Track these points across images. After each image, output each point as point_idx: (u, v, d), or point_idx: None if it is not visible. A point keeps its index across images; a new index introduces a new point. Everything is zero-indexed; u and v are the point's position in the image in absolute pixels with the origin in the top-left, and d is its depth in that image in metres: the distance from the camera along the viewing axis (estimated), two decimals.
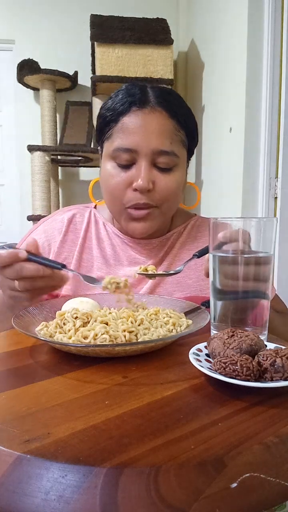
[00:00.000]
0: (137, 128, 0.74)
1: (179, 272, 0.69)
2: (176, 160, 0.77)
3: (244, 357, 0.39)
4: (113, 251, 0.85)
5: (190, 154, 0.84)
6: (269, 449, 0.31)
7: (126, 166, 0.76)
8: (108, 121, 0.78)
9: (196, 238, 0.88)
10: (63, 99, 2.73)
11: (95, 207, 0.91)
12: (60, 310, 0.60)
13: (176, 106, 0.78)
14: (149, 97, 0.76)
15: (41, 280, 0.62)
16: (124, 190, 0.76)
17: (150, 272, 0.67)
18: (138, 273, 0.68)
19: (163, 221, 0.82)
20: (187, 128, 0.79)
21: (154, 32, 2.35)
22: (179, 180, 0.78)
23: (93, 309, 0.61)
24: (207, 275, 0.62)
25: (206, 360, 0.45)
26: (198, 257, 0.68)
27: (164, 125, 0.75)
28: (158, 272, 0.69)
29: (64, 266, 0.63)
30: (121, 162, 0.75)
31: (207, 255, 0.63)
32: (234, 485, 0.29)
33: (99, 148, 0.84)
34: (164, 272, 0.70)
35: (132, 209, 0.77)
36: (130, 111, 0.75)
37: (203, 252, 0.67)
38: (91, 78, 2.35)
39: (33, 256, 0.61)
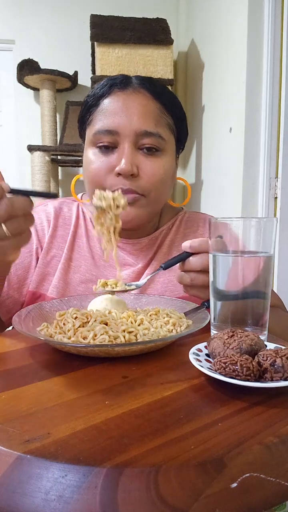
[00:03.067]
0: (118, 109, 0.70)
1: (139, 287, 0.65)
2: (162, 144, 0.72)
3: (244, 357, 0.39)
4: (102, 251, 0.80)
5: (179, 145, 0.80)
6: (269, 449, 0.31)
7: (108, 151, 0.71)
8: (89, 107, 0.75)
9: (185, 235, 0.84)
10: (63, 99, 2.73)
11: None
12: (62, 310, 0.60)
13: (160, 89, 0.74)
14: (131, 80, 0.73)
15: (31, 219, 0.52)
16: (105, 175, 0.71)
17: (108, 288, 0.62)
18: (97, 290, 0.63)
19: (151, 213, 0.76)
20: (173, 112, 0.75)
21: (154, 32, 2.35)
22: (166, 166, 0.73)
23: (122, 306, 0.60)
24: (180, 282, 0.62)
25: (206, 360, 0.45)
26: (164, 269, 0.65)
27: (148, 106, 0.71)
28: (118, 289, 0.62)
29: (56, 195, 0.55)
30: (103, 147, 0.71)
31: (178, 264, 0.63)
32: (234, 485, 0.29)
33: (82, 141, 0.79)
34: (124, 289, 0.62)
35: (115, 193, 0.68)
36: (111, 93, 0.72)
37: (170, 264, 0.64)
38: (91, 78, 2.35)
39: (15, 189, 0.50)
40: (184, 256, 0.61)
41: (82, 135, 0.79)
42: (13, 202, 0.49)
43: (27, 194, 0.50)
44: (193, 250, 0.60)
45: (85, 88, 2.77)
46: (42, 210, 0.82)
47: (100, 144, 0.71)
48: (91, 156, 0.72)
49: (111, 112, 0.70)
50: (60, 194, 2.81)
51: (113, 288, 0.62)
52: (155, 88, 0.73)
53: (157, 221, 0.85)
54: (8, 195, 0.50)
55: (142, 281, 0.66)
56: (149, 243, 0.82)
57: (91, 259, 0.80)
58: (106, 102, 0.72)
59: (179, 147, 0.80)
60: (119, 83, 0.72)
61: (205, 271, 0.58)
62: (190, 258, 0.61)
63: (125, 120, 0.69)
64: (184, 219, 0.86)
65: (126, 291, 0.63)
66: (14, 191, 0.49)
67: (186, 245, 0.61)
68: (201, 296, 0.62)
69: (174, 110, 0.75)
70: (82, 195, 0.86)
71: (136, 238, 0.81)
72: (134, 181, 0.70)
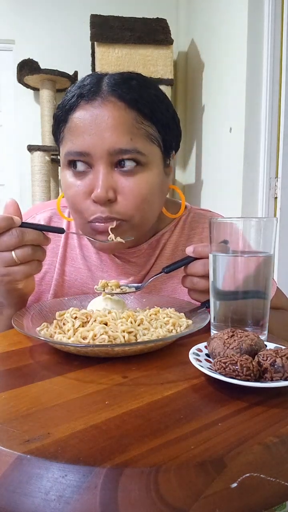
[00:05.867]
0: (87, 126, 0.61)
1: (139, 290, 0.63)
2: (142, 159, 0.63)
3: (244, 357, 0.39)
4: (99, 261, 0.75)
5: (168, 150, 0.69)
6: (269, 449, 0.31)
7: (83, 173, 0.64)
8: (58, 122, 0.67)
9: (189, 237, 0.78)
10: None
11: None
12: (62, 310, 0.60)
13: (138, 93, 0.63)
14: (101, 86, 0.63)
15: (40, 250, 0.58)
16: (84, 201, 0.64)
17: (108, 289, 0.61)
18: (97, 290, 0.61)
19: (139, 235, 0.69)
20: (155, 118, 0.64)
21: (154, 32, 2.35)
22: (150, 182, 0.64)
23: (122, 306, 0.60)
24: (182, 285, 0.62)
25: (206, 360, 0.45)
26: (166, 273, 0.63)
27: (120, 118, 0.61)
28: (117, 291, 0.61)
29: (64, 231, 0.60)
30: (75, 168, 0.64)
31: (181, 268, 0.62)
32: (234, 485, 0.29)
33: (59, 155, 0.72)
34: (123, 291, 0.62)
35: (94, 223, 0.64)
36: (78, 106, 0.63)
37: (172, 268, 0.63)
38: None
39: (26, 223, 0.56)
40: (187, 261, 0.61)
41: (58, 150, 0.71)
42: (23, 232, 0.55)
43: (35, 228, 0.57)
44: (196, 255, 0.59)
45: None
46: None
47: (74, 169, 0.64)
48: (68, 178, 0.66)
49: (80, 131, 0.62)
50: (60, 193, 2.81)
51: (112, 289, 0.62)
52: (130, 94, 0.62)
53: (155, 223, 0.77)
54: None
55: (143, 283, 0.65)
56: (149, 247, 0.76)
57: (87, 271, 0.75)
58: (74, 118, 0.63)
59: (168, 153, 0.70)
60: (87, 93, 0.62)
61: (207, 276, 0.58)
62: (193, 262, 0.60)
63: (95, 138, 0.61)
64: (189, 220, 0.79)
65: (125, 293, 0.62)
66: (24, 225, 0.57)
67: (190, 249, 0.60)
68: (202, 300, 0.62)
69: (155, 116, 0.64)
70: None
71: (133, 246, 0.74)
72: (112, 207, 0.63)
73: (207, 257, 0.57)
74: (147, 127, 0.64)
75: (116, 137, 0.61)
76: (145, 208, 0.65)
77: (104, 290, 0.61)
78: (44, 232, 0.59)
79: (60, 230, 0.61)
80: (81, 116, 0.62)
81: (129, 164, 0.62)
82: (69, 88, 0.67)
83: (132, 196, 0.63)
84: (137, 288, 0.63)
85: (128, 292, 0.62)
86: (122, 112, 0.62)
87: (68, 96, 0.65)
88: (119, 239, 0.64)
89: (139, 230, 0.68)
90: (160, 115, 0.65)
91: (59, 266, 0.75)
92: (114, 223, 0.64)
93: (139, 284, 0.65)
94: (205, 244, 0.59)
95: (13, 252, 0.55)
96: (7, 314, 0.65)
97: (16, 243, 0.55)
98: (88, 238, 0.67)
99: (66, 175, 0.66)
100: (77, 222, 0.69)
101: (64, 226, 0.77)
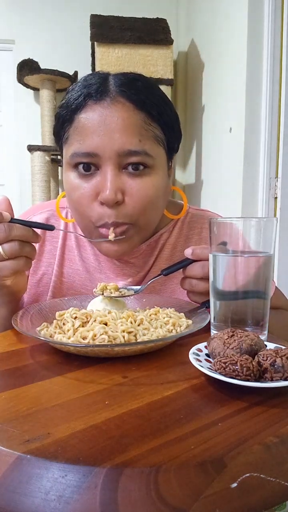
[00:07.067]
0: (95, 127, 0.60)
1: (137, 293, 0.63)
2: (149, 161, 0.63)
3: (244, 357, 0.39)
4: (97, 262, 0.74)
5: (171, 152, 0.69)
6: (269, 449, 0.31)
7: (89, 175, 0.63)
8: (63, 121, 0.65)
9: (188, 238, 0.77)
10: None
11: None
12: (62, 310, 0.60)
13: (145, 94, 0.62)
14: (109, 86, 0.62)
15: (29, 246, 0.58)
16: (90, 204, 0.63)
17: (107, 292, 0.61)
18: (95, 293, 0.61)
19: (142, 239, 0.69)
20: (161, 120, 0.64)
21: (154, 32, 2.35)
22: (156, 185, 0.64)
23: (121, 306, 0.60)
24: (181, 287, 0.62)
25: (206, 360, 0.45)
26: (165, 275, 0.63)
27: (129, 119, 0.61)
28: (116, 294, 0.61)
29: (53, 227, 0.60)
30: (82, 170, 0.62)
31: (180, 270, 0.62)
32: (234, 485, 0.28)
33: (60, 155, 0.71)
34: (122, 294, 0.61)
35: (102, 228, 0.64)
36: (86, 106, 0.62)
37: (171, 270, 0.62)
38: None
39: (15, 219, 0.57)
40: (186, 263, 0.61)
41: (60, 150, 0.70)
42: (10, 227, 0.55)
43: (24, 224, 0.57)
44: (195, 257, 0.59)
45: None
46: None
47: (80, 167, 0.63)
48: (73, 180, 0.64)
49: (88, 131, 0.61)
50: (60, 194, 2.81)
51: (111, 292, 0.61)
52: (138, 95, 0.62)
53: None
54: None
55: (142, 286, 0.65)
56: (148, 248, 0.75)
57: (85, 273, 0.74)
58: (81, 118, 0.62)
59: (171, 155, 0.70)
60: (95, 93, 0.61)
61: (206, 278, 0.57)
62: (192, 265, 0.60)
63: (104, 139, 0.60)
64: (187, 220, 0.79)
65: (123, 296, 0.62)
66: (13, 221, 0.57)
67: (188, 252, 0.60)
68: (201, 303, 0.62)
69: (162, 118, 0.64)
70: (67, 212, 0.79)
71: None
72: (119, 210, 0.62)
73: (206, 259, 0.57)
74: (154, 128, 0.63)
75: (126, 138, 0.60)
76: (150, 211, 0.65)
77: (103, 293, 0.61)
78: (34, 228, 0.59)
79: (49, 227, 0.61)
80: (89, 116, 0.61)
81: (136, 166, 0.62)
82: (71, 87, 0.66)
83: (139, 198, 0.62)
84: (136, 291, 0.63)
85: (127, 296, 0.62)
86: (131, 113, 0.61)
87: (73, 95, 0.63)
88: (110, 237, 0.64)
89: (143, 234, 0.68)
90: (166, 116, 0.65)
91: (57, 268, 0.75)
92: (124, 228, 0.64)
93: (138, 287, 0.64)
94: (204, 246, 0.59)
95: (0, 247, 0.55)
96: (0, 314, 0.65)
97: (3, 238, 0.55)
98: (88, 239, 0.67)
99: (70, 176, 0.65)
100: (82, 226, 0.67)
101: (62, 225, 0.77)
